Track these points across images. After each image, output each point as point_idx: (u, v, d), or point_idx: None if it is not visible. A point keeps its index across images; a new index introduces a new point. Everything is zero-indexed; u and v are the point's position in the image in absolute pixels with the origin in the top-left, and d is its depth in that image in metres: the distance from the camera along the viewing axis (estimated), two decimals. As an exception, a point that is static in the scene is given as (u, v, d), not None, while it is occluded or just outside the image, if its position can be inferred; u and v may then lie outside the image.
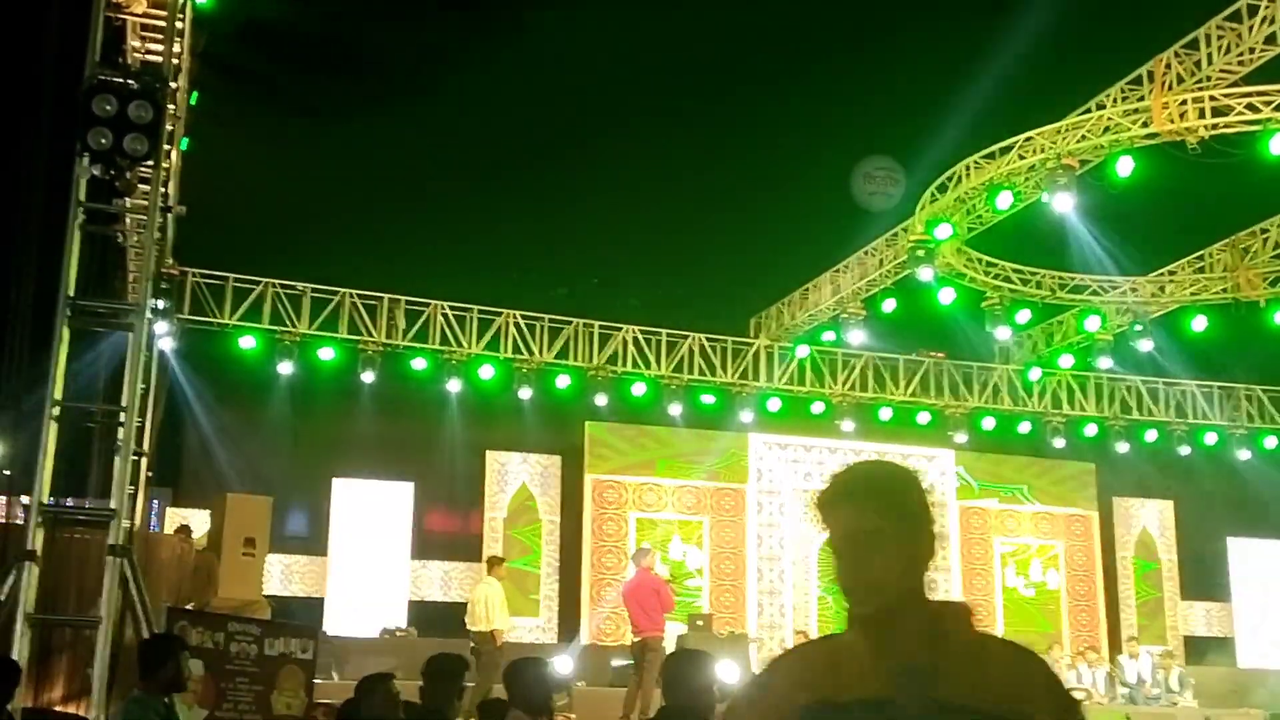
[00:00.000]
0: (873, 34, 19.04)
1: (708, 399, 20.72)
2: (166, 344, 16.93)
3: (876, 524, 2.49)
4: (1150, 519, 23.29)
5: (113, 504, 9.43)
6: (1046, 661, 2.53)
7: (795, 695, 2.44)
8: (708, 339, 20.65)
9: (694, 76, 19.71)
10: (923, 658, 2.38)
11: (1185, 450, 22.59)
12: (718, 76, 19.80)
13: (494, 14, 18.84)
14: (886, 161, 18.34)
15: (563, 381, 19.69)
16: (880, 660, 2.39)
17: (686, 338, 20.46)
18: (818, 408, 21.33)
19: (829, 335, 20.98)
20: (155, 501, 17.65)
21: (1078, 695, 16.42)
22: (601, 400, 19.90)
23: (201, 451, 18.66)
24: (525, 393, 19.39)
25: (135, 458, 11.08)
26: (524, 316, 19.54)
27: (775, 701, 2.49)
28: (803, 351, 20.97)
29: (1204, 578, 23.32)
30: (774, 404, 20.98)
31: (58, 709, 10.26)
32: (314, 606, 18.86)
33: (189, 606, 12.98)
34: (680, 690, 5.03)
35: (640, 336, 20.17)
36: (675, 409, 20.29)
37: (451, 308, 19.20)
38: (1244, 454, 22.62)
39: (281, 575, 18.93)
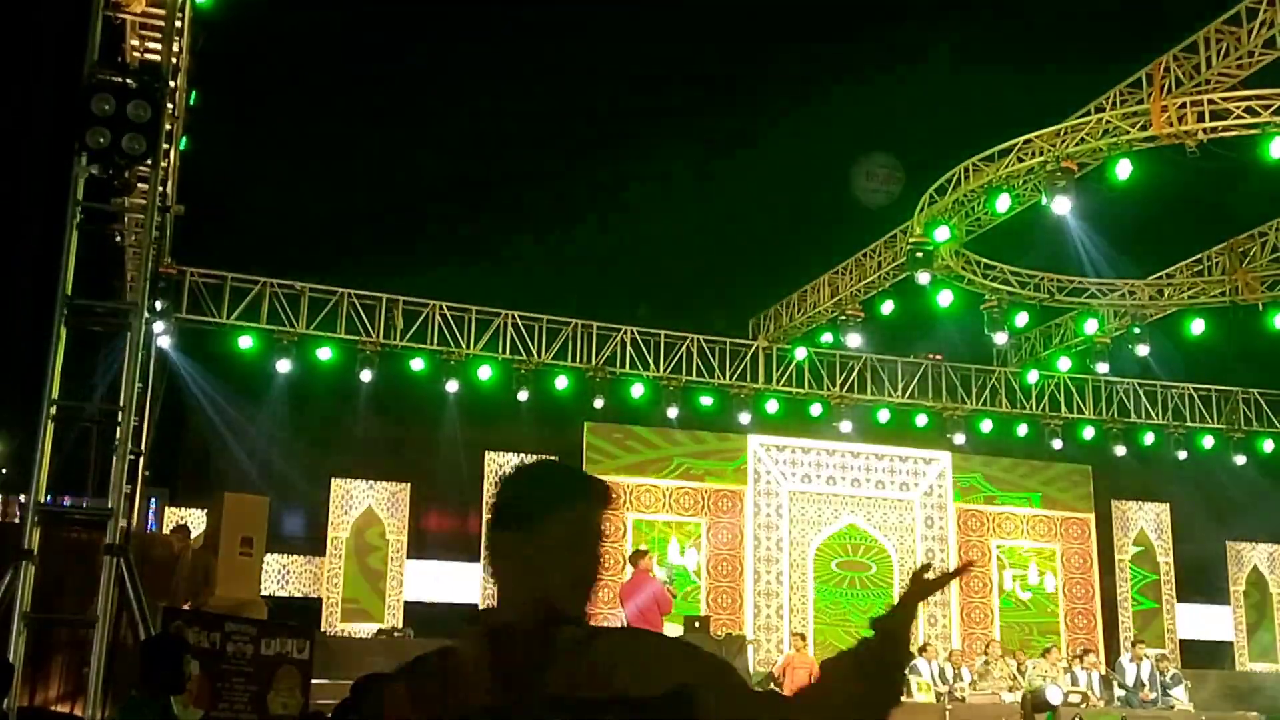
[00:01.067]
0: (872, 36, 19.06)
1: (706, 400, 20.71)
2: (165, 343, 16.94)
3: (515, 529, 2.44)
4: (1147, 522, 23.29)
5: (109, 503, 9.42)
6: (683, 640, 2.47)
7: (408, 713, 2.38)
8: (706, 340, 20.65)
9: (692, 78, 19.73)
10: (535, 659, 2.31)
11: (1183, 454, 22.59)
12: (716, 78, 19.83)
13: (497, 21, 18.88)
14: (887, 159, 18.36)
15: (561, 382, 19.69)
16: (493, 669, 2.32)
17: (685, 339, 20.46)
18: (816, 409, 21.34)
19: (827, 337, 20.97)
20: (153, 501, 17.64)
21: (1073, 699, 16.47)
22: (599, 401, 19.91)
23: (199, 451, 18.64)
24: (523, 394, 19.40)
25: (132, 457, 11.07)
26: (522, 317, 19.54)
27: None
28: (801, 353, 20.97)
29: (1201, 581, 23.32)
30: (772, 405, 20.99)
31: (53, 709, 10.24)
32: (311, 607, 18.84)
33: (185, 606, 12.98)
34: None
35: (638, 338, 20.17)
36: (673, 410, 20.29)
37: (449, 308, 19.20)
38: (1241, 458, 22.63)
39: (279, 575, 18.91)
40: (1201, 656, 22.46)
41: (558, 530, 2.44)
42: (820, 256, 20.43)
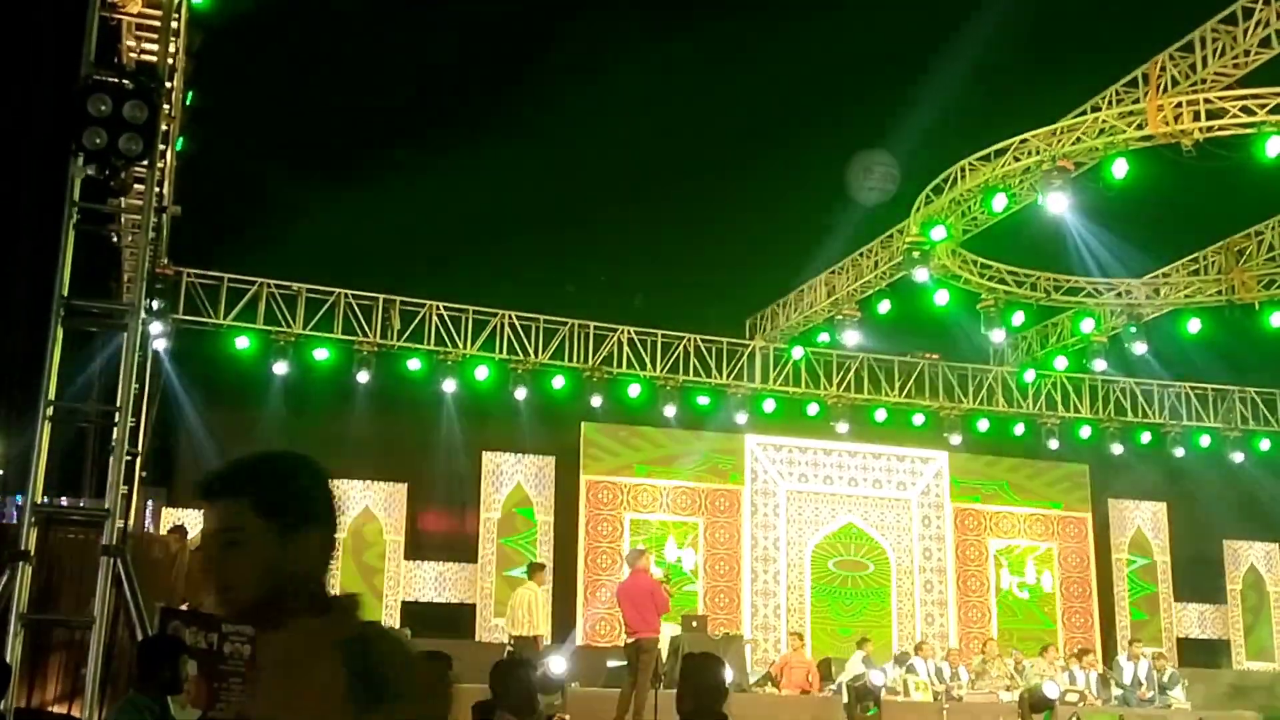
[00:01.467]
0: (869, 36, 19.07)
1: (703, 400, 20.72)
2: (162, 344, 16.93)
3: (234, 524, 2.41)
4: (1144, 521, 23.31)
5: (106, 504, 9.43)
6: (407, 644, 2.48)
7: None
8: (703, 340, 20.65)
9: (690, 83, 19.74)
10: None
11: (1180, 452, 22.61)
12: (716, 83, 19.83)
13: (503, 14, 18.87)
14: (884, 157, 18.36)
15: (558, 382, 19.69)
16: None
17: (682, 339, 20.46)
18: (813, 409, 21.34)
19: (824, 336, 21.00)
20: (149, 502, 17.62)
21: (1071, 697, 16.48)
22: (596, 401, 19.91)
23: (196, 451, 18.61)
24: (520, 393, 19.40)
25: (129, 458, 11.07)
26: (519, 317, 19.55)
27: None
28: (798, 353, 20.98)
29: (1198, 580, 23.34)
30: (769, 405, 21.00)
31: (51, 709, 10.24)
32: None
33: (183, 607, 12.96)
34: (698, 691, 5.03)
35: (635, 337, 20.18)
36: (670, 410, 20.30)
37: (446, 308, 19.20)
38: (1238, 456, 22.65)
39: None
40: (1199, 655, 22.49)
41: (314, 524, 2.49)
42: (817, 256, 20.47)
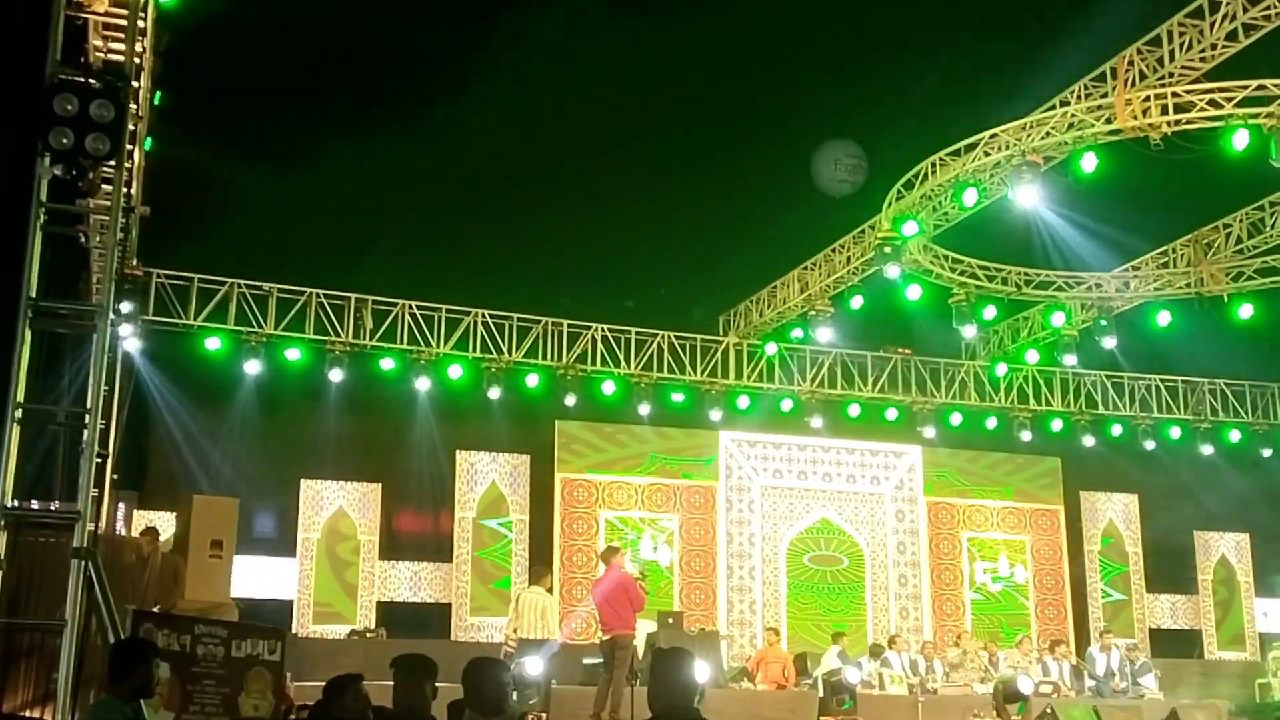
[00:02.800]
0: (838, 32, 19.11)
1: (677, 397, 20.74)
2: (132, 346, 16.83)
3: None
4: (1116, 513, 23.44)
5: (77, 506, 9.36)
6: None
7: None
8: (677, 337, 20.66)
9: (663, 78, 19.73)
10: None
11: (1150, 444, 22.76)
12: (686, 77, 19.83)
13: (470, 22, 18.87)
14: (853, 149, 18.39)
15: (532, 380, 19.66)
16: None
17: (655, 336, 20.47)
18: (786, 405, 21.39)
19: (797, 332, 21.06)
20: (121, 504, 17.52)
21: (1044, 689, 16.56)
22: (571, 399, 19.90)
23: (168, 453, 18.51)
24: (494, 392, 19.36)
25: (100, 460, 10.98)
26: (492, 316, 19.51)
27: None
28: (771, 349, 21.02)
29: (1170, 571, 23.50)
30: (743, 401, 21.03)
31: (23, 714, 10.17)
32: (282, 609, 18.76)
33: (155, 609, 12.90)
34: (669, 688, 5.02)
35: (609, 335, 20.17)
36: (644, 407, 20.30)
37: (419, 307, 19.15)
38: (1207, 448, 22.81)
39: (249, 577, 18.80)
40: (1171, 645, 22.64)
41: None
42: (790, 252, 20.52)
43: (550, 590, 15.23)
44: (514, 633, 14.48)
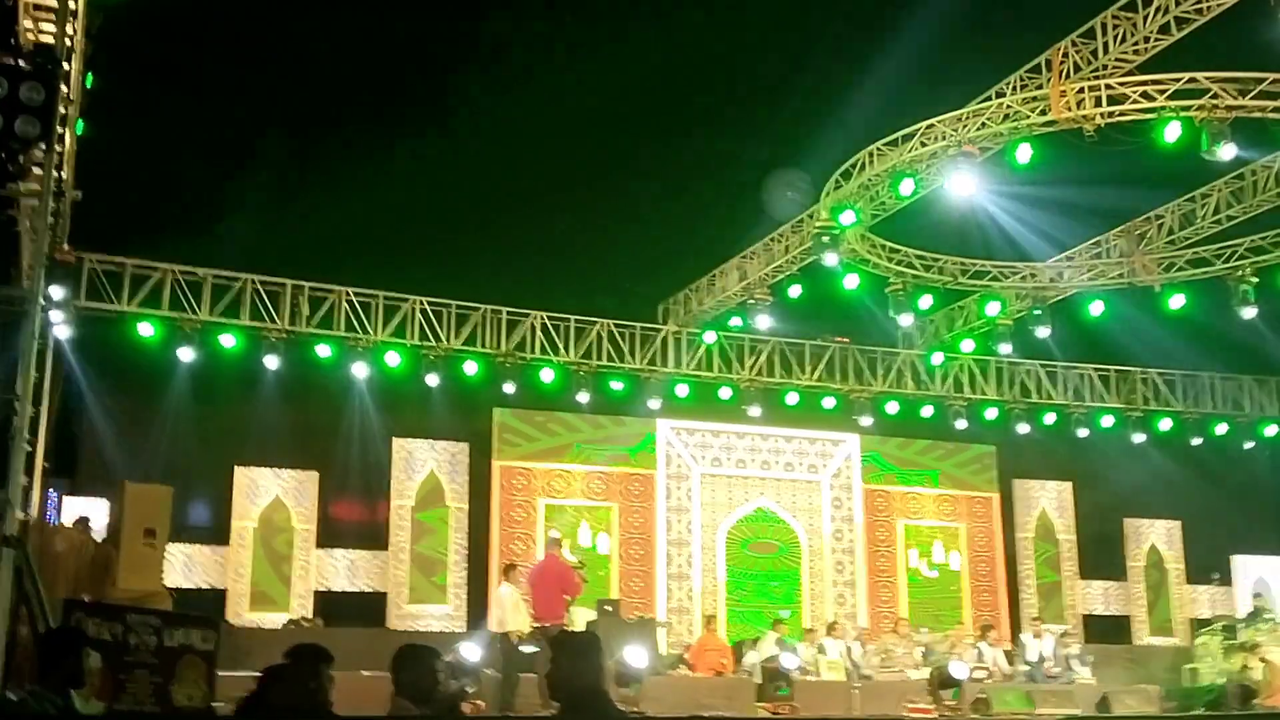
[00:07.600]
0: (776, 23, 19.18)
1: (616, 385, 20.73)
2: (63, 332, 16.59)
3: None
4: (1049, 500, 23.73)
5: (7, 495, 9.23)
6: None
7: None
8: (616, 325, 20.65)
9: (602, 74, 19.72)
10: None
11: (1083, 432, 23.07)
12: (627, 72, 19.82)
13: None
14: (802, 178, 18.54)
15: (470, 368, 19.57)
16: None
17: (595, 324, 20.45)
18: (725, 393, 21.45)
19: (736, 321, 21.12)
20: (52, 492, 17.27)
21: (978, 674, 16.77)
22: (510, 387, 19.82)
23: (100, 440, 18.27)
24: (433, 379, 19.26)
25: (30, 447, 10.83)
26: (430, 303, 19.40)
27: None
28: (710, 337, 21.06)
29: (1101, 558, 23.82)
30: (682, 390, 21.06)
31: (-50, 705, 10.02)
32: (216, 598, 18.59)
33: (87, 599, 12.74)
34: (573, 671, 5.01)
35: (548, 323, 20.13)
36: (583, 395, 20.30)
37: (356, 294, 19.01)
38: (1139, 436, 23.13)
39: (183, 566, 18.62)
40: (1103, 631, 22.96)
41: None
42: (729, 241, 20.58)
43: (516, 584, 15.38)
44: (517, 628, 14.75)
